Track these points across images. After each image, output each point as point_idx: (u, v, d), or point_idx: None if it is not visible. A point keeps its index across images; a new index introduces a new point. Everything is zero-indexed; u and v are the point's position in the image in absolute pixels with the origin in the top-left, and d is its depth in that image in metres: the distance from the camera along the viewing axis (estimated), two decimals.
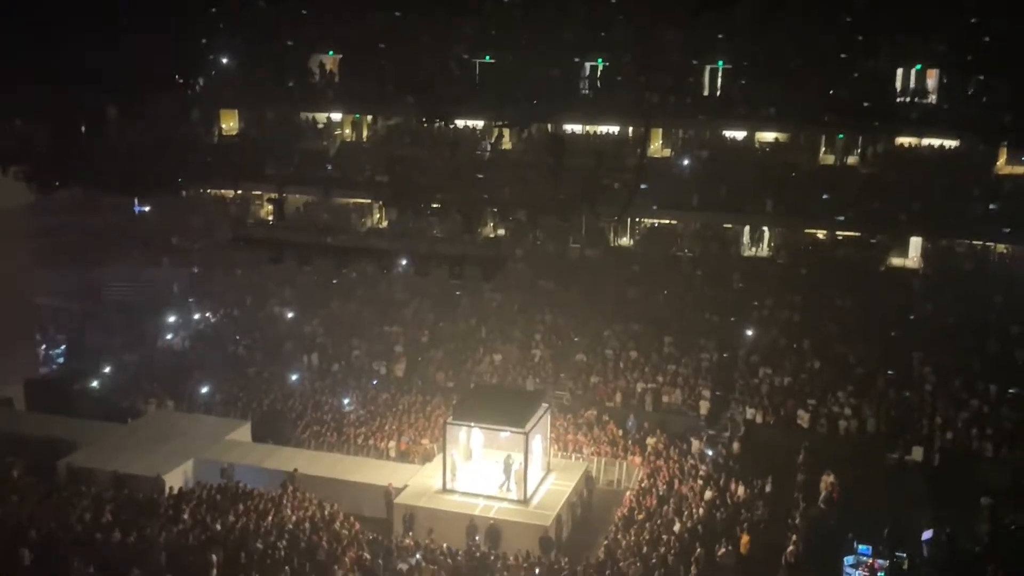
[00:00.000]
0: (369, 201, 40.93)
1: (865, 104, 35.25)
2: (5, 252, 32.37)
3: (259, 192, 41.43)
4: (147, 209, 43.68)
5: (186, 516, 25.38)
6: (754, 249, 39.84)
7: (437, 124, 33.18)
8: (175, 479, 27.83)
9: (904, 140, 38.06)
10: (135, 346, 39.21)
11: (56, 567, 23.01)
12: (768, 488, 27.38)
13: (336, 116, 42.13)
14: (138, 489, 27.03)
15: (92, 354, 38.71)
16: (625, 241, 41.01)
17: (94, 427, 31.55)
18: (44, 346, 40.48)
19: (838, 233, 38.25)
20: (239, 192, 42.39)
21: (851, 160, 38.86)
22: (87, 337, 40.72)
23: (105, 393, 36.07)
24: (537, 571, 23.19)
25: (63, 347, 41.04)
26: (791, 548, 24.02)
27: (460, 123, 37.58)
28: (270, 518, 25.34)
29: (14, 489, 27.13)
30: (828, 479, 27.31)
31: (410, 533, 25.33)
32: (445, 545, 24.24)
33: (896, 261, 38.03)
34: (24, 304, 36.45)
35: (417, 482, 27.42)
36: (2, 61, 25.53)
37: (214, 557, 22.90)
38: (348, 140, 42.40)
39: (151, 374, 37.08)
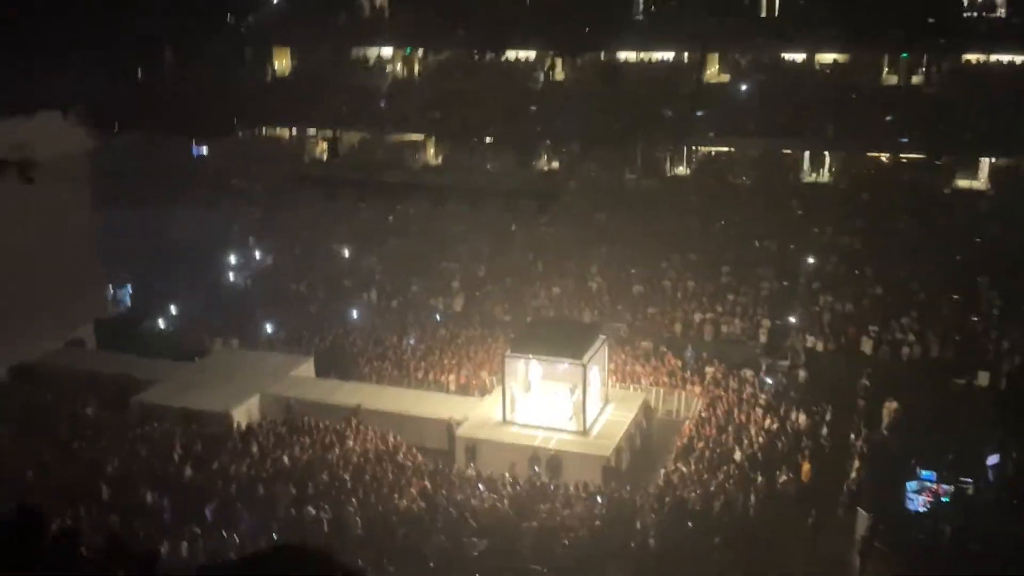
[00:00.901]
0: (422, 137, 40.86)
1: (930, 20, 34.01)
2: (69, 196, 33.05)
3: (313, 131, 41.58)
4: (205, 151, 44.12)
5: (254, 450, 26.09)
6: (814, 175, 39.06)
7: (488, 56, 32.85)
8: (242, 415, 28.55)
9: (971, 57, 36.74)
10: (199, 286, 40.00)
11: (132, 501, 23.88)
12: (829, 416, 27.22)
13: (387, 52, 41.92)
14: (207, 425, 27.82)
15: (158, 294, 39.60)
16: (682, 170, 40.46)
17: (163, 365, 32.37)
18: (112, 288, 41.47)
19: (902, 156, 37.30)
20: (294, 132, 42.60)
21: (915, 80, 37.66)
22: (153, 278, 41.62)
23: (172, 332, 36.98)
24: (599, 499, 23.46)
25: (130, 288, 42.01)
26: (853, 475, 23.96)
27: (511, 55, 37.15)
28: (336, 451, 25.95)
29: (89, 426, 28.11)
30: (891, 406, 27.04)
31: (471, 464, 25.75)
32: (507, 475, 24.62)
33: (962, 183, 37.03)
34: (90, 247, 37.29)
35: (477, 415, 27.77)
36: (61, 7, 25.82)
37: (286, 489, 23.57)
38: (400, 77, 42.23)
39: (216, 313, 37.86)
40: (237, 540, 21.85)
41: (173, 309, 38.15)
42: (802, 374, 29.98)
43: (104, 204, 38.04)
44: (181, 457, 25.84)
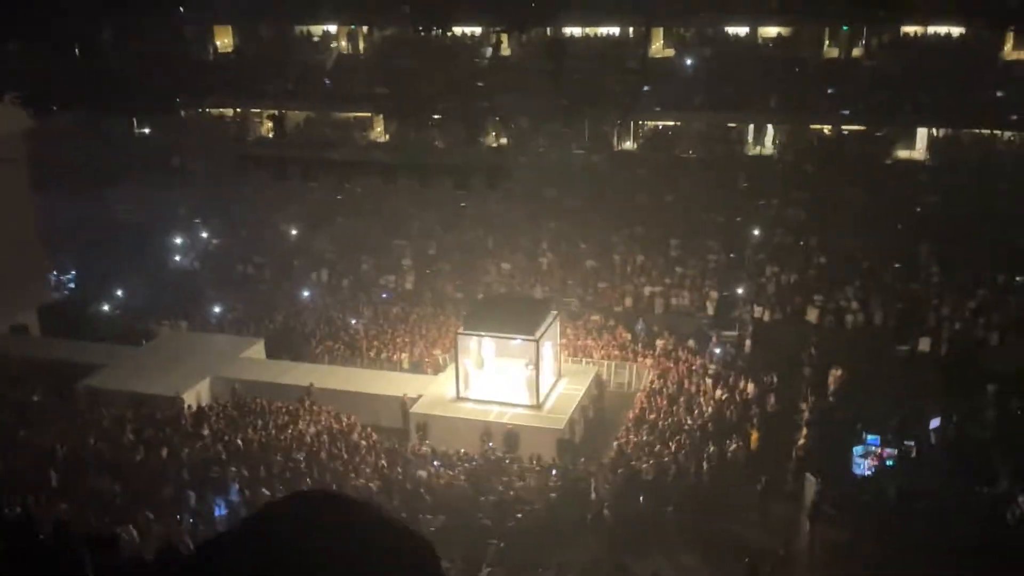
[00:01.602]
0: (370, 114, 40.53)
1: None
2: (7, 179, 32.31)
3: (258, 110, 41.01)
4: (147, 131, 43.32)
5: (206, 433, 25.90)
6: (759, 148, 39.52)
7: (434, 32, 32.64)
8: (193, 398, 28.30)
9: (909, 29, 37.36)
10: (145, 269, 39.39)
11: (83, 487, 23.59)
12: (777, 384, 27.76)
13: (332, 28, 41.44)
14: (157, 409, 27.53)
15: (103, 278, 38.93)
16: (629, 145, 40.68)
17: (110, 350, 31.95)
18: (54, 272, 40.69)
19: (844, 128, 37.88)
20: (238, 110, 41.98)
21: (856, 52, 38.22)
22: (96, 261, 40.88)
23: (118, 316, 36.44)
24: (553, 472, 23.72)
25: (73, 272, 41.26)
26: (801, 442, 24.50)
27: (457, 31, 36.94)
28: (288, 432, 25.86)
29: (37, 413, 27.66)
30: (836, 372, 27.65)
31: (426, 441, 25.85)
32: (462, 450, 24.76)
33: (902, 154, 37.72)
34: (31, 231, 36.53)
35: (431, 392, 27.85)
36: None
37: (236, 470, 23.46)
38: (345, 53, 41.78)
39: (163, 296, 37.35)
40: (190, 524, 21.74)
41: (119, 292, 37.56)
42: (749, 344, 30.50)
43: (44, 186, 37.25)
44: (132, 442, 25.56)
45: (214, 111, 42.52)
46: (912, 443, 23.79)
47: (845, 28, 37.59)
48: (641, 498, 22.58)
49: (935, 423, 24.89)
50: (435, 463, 24.33)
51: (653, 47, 38.79)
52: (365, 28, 41.26)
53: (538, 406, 26.64)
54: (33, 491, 22.48)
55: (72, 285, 40.97)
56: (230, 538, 1.29)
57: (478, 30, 38.86)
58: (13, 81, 29.45)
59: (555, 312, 29.12)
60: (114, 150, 39.79)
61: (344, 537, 1.21)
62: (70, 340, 33.17)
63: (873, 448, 23.65)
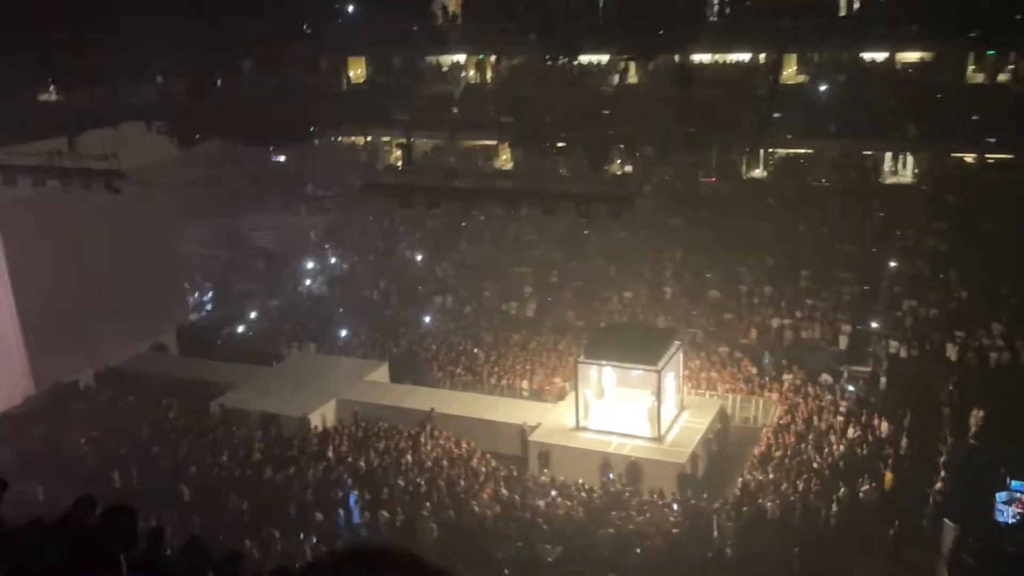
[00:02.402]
0: (495, 143, 40.89)
1: (1017, 16, 32.85)
2: (153, 206, 33.92)
3: (388, 138, 41.94)
4: (282, 159, 44.87)
5: (330, 454, 26.38)
6: (896, 176, 38.04)
7: (561, 61, 32.70)
8: (319, 419, 28.91)
9: None
10: (276, 292, 40.70)
11: (213, 502, 24.33)
12: (913, 424, 26.44)
13: (460, 58, 42.10)
14: (284, 428, 28.23)
15: (237, 301, 40.41)
16: (758, 173, 39.77)
17: (242, 370, 33.00)
18: (194, 294, 42.46)
19: (988, 156, 36.08)
20: (368, 139, 43.02)
21: (1002, 77, 36.42)
22: (232, 285, 42.50)
23: (251, 337, 37.67)
24: (675, 507, 23.16)
25: (210, 294, 42.95)
26: (939, 485, 23.23)
27: (584, 59, 36.96)
28: (409, 456, 26.09)
29: (172, 429, 28.75)
30: (978, 413, 26.16)
31: (545, 470, 25.64)
32: (580, 481, 24.45)
33: None
34: (172, 254, 38.23)
35: (551, 420, 27.67)
36: (143, 20, 26.49)
37: (359, 492, 23.78)
38: (473, 82, 42.34)
39: (293, 319, 38.45)
40: (314, 542, 22.11)
41: (252, 314, 38.87)
42: (883, 380, 29.21)
43: (185, 212, 38.97)
44: (260, 460, 26.25)
45: (346, 139, 43.71)
46: None
47: (991, 53, 35.90)
48: (766, 537, 21.76)
49: None
50: (553, 492, 24.08)
51: (785, 73, 37.87)
52: (493, 58, 41.74)
53: (659, 438, 26.12)
54: (166, 505, 23.34)
55: (209, 307, 42.64)
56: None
57: (605, 58, 38.76)
58: (159, 111, 30.96)
59: (678, 343, 28.57)
60: (251, 177, 41.39)
61: None
62: (205, 360, 34.45)
63: (1018, 494, 22.20)
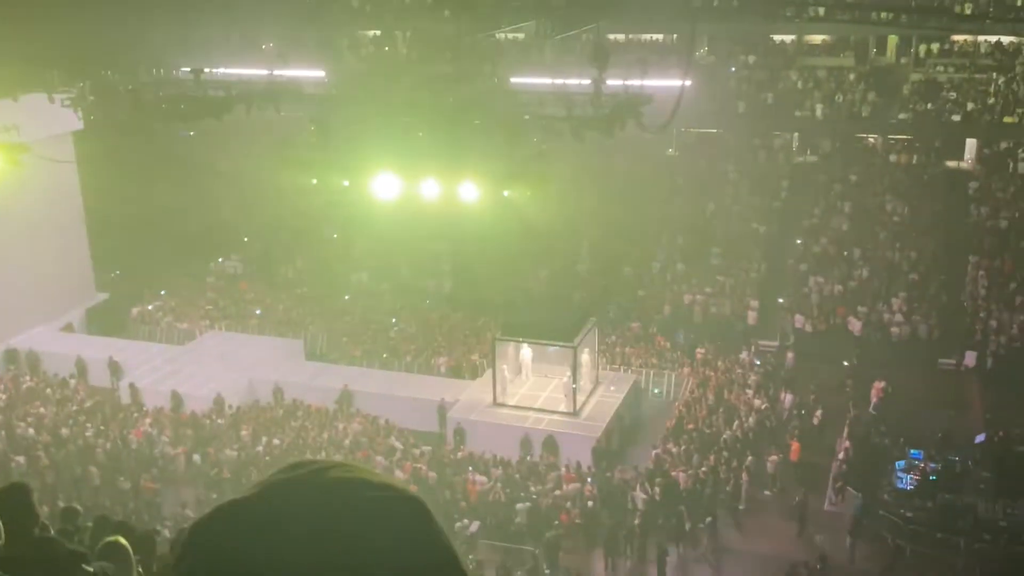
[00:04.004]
0: None
1: (913, 2, 34.04)
2: (58, 179, 32.84)
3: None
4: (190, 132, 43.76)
5: (244, 433, 26.10)
6: (802, 157, 39.08)
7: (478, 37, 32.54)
8: (233, 398, 28.50)
9: (959, 38, 36.78)
10: (188, 269, 39.71)
11: (124, 483, 23.88)
12: (818, 396, 27.39)
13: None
14: (199, 408, 27.79)
15: (147, 278, 39.32)
16: (670, 152, 40.38)
17: (153, 349, 32.38)
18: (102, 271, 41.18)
19: (891, 137, 37.34)
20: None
21: (904, 60, 37.71)
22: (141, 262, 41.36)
23: (162, 316, 36.81)
24: (589, 480, 23.58)
25: (118, 272, 41.75)
26: (842, 455, 24.13)
27: (500, 36, 36.89)
28: (325, 434, 25.97)
29: (81, 409, 28.07)
30: (879, 385, 27.23)
31: (462, 446, 25.82)
32: (499, 456, 24.69)
33: (950, 164, 37.12)
34: (80, 231, 37.06)
35: (468, 396, 27.82)
36: None
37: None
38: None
39: (205, 296, 37.69)
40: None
41: (162, 292, 38.00)
42: (790, 354, 30.14)
43: (94, 186, 37.71)
44: (172, 440, 25.87)
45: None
46: (956, 458, 23.34)
47: (894, 37, 37.12)
48: (679, 508, 22.35)
49: (980, 438, 24.43)
50: (471, 468, 24.28)
51: (697, 53, 38.49)
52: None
53: (575, 413, 26.51)
54: (76, 487, 22.85)
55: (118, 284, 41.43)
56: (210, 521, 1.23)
57: (521, 36, 38.79)
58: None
59: (593, 319, 28.97)
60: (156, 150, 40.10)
61: (328, 514, 1.17)
62: (114, 339, 33.66)
63: (916, 462, 23.24)
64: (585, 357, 27.49)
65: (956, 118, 34.68)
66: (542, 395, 27.30)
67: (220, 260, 40.24)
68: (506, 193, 20.43)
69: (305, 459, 1.30)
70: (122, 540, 5.91)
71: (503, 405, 27.04)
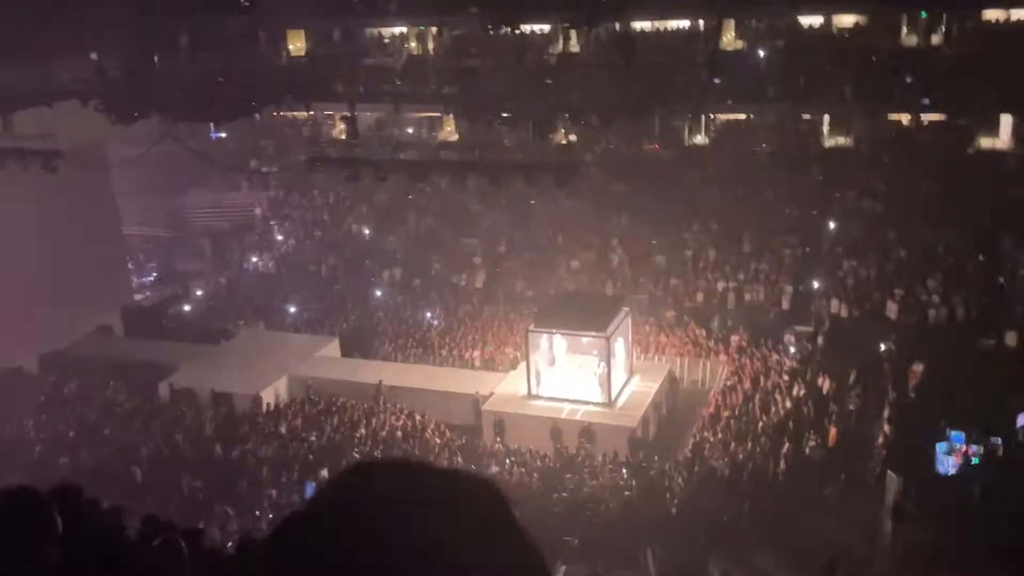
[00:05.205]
0: (439, 114, 40.69)
1: None
2: (91, 185, 33.28)
3: (331, 112, 41.50)
4: (223, 135, 44.20)
5: (283, 431, 26.35)
6: (835, 139, 38.65)
7: (503, 30, 32.59)
8: (270, 395, 28.80)
9: (992, 15, 36.16)
10: (222, 269, 40.26)
11: (166, 483, 24.19)
12: (856, 380, 27.15)
13: (402, 29, 41.69)
14: (236, 406, 28.09)
15: (182, 279, 39.89)
16: (700, 139, 40.13)
17: (190, 349, 32.69)
18: (138, 274, 41.84)
19: (923, 117, 36.83)
20: (311, 112, 42.51)
21: (935, 40, 37.12)
22: (176, 263, 41.94)
23: (197, 316, 37.27)
24: (624, 471, 23.57)
25: (154, 274, 42.36)
26: (881, 439, 23.92)
27: (526, 28, 36.87)
28: (362, 429, 26.16)
29: (121, 412, 28.45)
30: (917, 368, 26.94)
31: (498, 439, 25.90)
32: (534, 448, 24.75)
33: (985, 143, 36.53)
34: (114, 234, 37.61)
35: (503, 389, 27.89)
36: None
37: (323, 472, 23.76)
38: (415, 54, 41.98)
39: (239, 296, 38.09)
40: (268, 519, 22.14)
41: (198, 293, 38.44)
42: (821, 339, 29.90)
43: (126, 191, 38.28)
44: (211, 439, 26.14)
45: (288, 114, 43.14)
46: (998, 440, 23.04)
47: (923, 15, 36.53)
48: (717, 497, 22.27)
49: (1023, 419, 24.08)
50: (508, 460, 24.36)
51: (724, 39, 38.17)
52: (435, 29, 41.40)
53: (610, 403, 26.50)
54: (118, 487, 23.15)
55: (153, 287, 42.05)
56: (302, 518, 1.29)
57: (547, 27, 38.69)
58: (95, 89, 30.28)
59: (627, 309, 28.92)
60: (192, 154, 40.66)
61: (412, 499, 1.24)
62: (151, 340, 34.02)
63: (958, 445, 22.96)
64: (619, 347, 27.45)
65: (990, 95, 34.11)
66: (576, 386, 27.29)
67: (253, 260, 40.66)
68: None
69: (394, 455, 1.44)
70: (177, 539, 6.01)
71: (538, 397, 27.09)
